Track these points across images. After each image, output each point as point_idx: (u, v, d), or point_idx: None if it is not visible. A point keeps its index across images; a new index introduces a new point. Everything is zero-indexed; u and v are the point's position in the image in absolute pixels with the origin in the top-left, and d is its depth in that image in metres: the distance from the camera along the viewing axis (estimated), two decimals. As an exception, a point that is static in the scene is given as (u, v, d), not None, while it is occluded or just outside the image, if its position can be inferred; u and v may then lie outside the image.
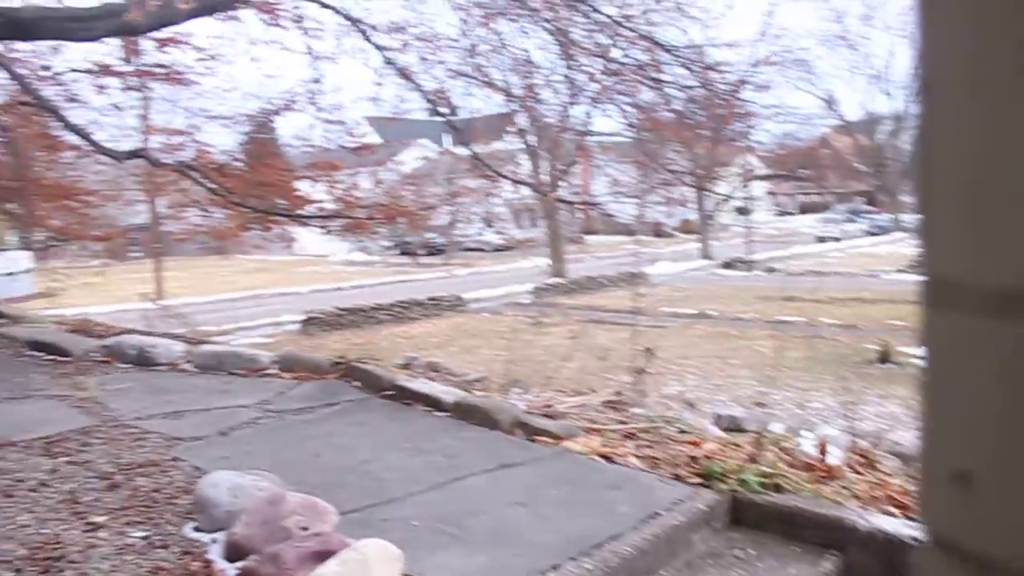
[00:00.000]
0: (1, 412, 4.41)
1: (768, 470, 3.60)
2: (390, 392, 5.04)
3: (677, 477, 3.61)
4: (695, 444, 4.04)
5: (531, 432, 4.29)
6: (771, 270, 26.97)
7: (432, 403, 4.81)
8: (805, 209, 62.25)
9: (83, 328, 7.06)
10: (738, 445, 3.99)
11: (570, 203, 26.37)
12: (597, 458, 3.90)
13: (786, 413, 6.48)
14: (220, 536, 2.95)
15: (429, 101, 14.10)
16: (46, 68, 15.78)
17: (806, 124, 41.21)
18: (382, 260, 42.86)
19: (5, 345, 5.92)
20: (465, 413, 4.61)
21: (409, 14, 14.60)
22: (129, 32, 11.06)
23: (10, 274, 37.14)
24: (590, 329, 13.62)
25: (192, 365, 5.48)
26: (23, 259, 34.58)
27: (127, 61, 16.20)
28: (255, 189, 16.25)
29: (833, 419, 5.79)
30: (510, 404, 4.73)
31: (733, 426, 5.29)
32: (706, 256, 33.36)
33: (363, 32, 12.85)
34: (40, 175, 17.19)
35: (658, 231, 48.39)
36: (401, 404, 4.90)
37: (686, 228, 47.21)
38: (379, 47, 13.59)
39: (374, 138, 23.79)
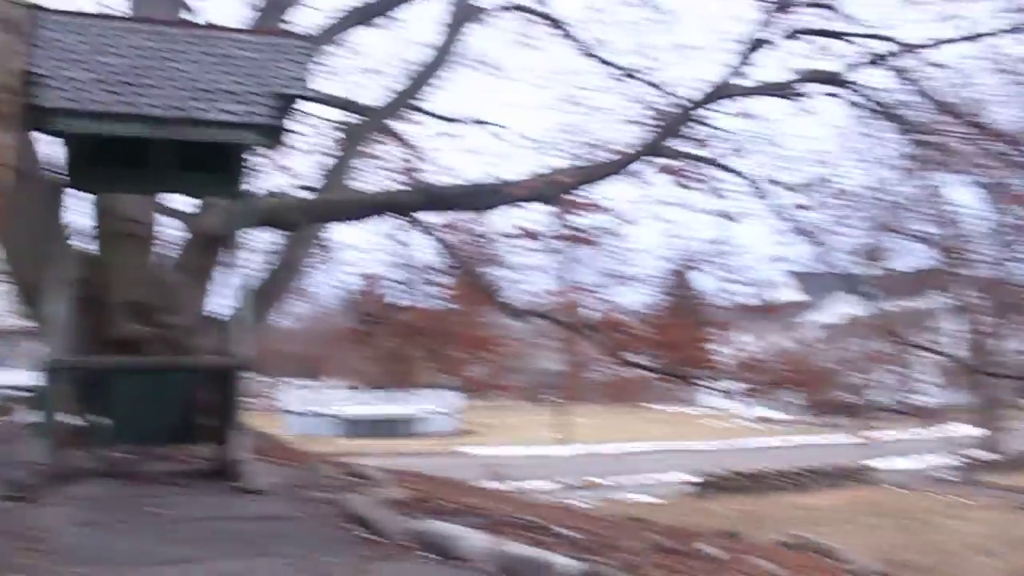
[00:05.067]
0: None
1: None
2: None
3: None
4: None
5: None
6: None
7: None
8: None
9: (429, 499, 7.11)
10: None
11: (994, 375, 22.74)
12: None
13: None
14: None
15: (834, 262, 13.28)
16: (471, 233, 17.56)
17: None
18: (788, 417, 40.58)
19: (335, 514, 6.06)
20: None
21: (823, 170, 13.83)
22: (513, 203, 11.93)
23: (439, 413, 41.69)
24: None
25: (492, 565, 5.14)
26: (451, 398, 38.74)
27: (556, 220, 17.40)
28: (656, 348, 16.15)
29: None
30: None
31: None
32: None
33: (762, 194, 12.53)
34: (459, 327, 18.87)
35: None
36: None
37: None
38: (781, 210, 13.03)
39: (793, 294, 22.80)
